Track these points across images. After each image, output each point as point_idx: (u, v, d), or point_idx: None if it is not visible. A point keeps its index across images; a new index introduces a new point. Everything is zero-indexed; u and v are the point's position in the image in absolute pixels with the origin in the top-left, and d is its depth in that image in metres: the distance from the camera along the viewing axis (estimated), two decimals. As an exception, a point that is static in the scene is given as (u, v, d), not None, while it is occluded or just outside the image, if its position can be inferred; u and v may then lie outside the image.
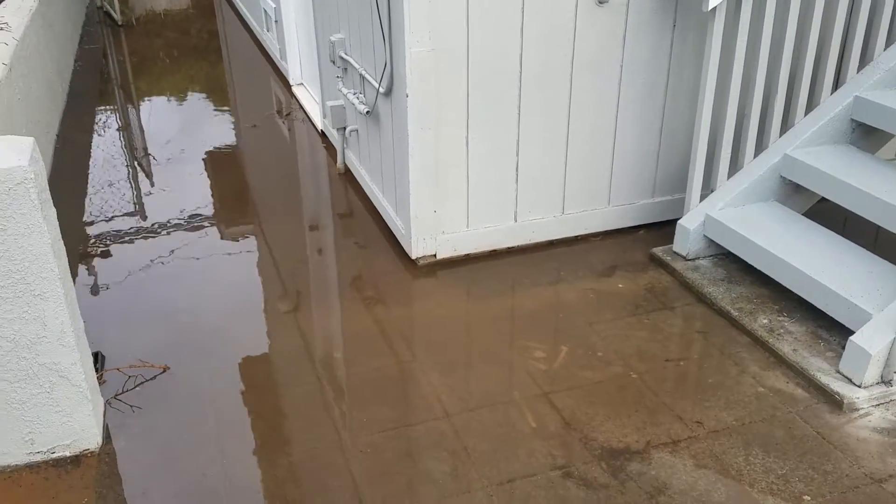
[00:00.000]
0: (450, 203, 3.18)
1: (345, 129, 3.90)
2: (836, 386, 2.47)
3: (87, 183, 4.12)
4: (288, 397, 2.55)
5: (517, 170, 3.21)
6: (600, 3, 3.02)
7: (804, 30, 3.04)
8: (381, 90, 3.18)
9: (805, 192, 3.16)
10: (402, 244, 3.33)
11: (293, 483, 2.22)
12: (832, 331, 2.74)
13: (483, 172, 3.17)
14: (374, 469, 2.26)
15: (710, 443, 2.34)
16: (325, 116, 4.19)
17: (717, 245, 3.15)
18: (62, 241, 2.22)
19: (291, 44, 5.13)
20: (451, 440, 2.36)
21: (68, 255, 2.25)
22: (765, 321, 2.81)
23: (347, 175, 4.09)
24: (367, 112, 3.46)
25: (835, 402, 2.46)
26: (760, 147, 3.20)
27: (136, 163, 4.31)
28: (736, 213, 3.11)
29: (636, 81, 3.22)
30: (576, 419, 2.44)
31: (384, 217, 3.55)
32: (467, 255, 3.31)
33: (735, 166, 3.21)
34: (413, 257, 3.24)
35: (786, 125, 3.19)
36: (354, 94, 3.58)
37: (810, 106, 3.17)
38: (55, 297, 2.14)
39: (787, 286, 2.82)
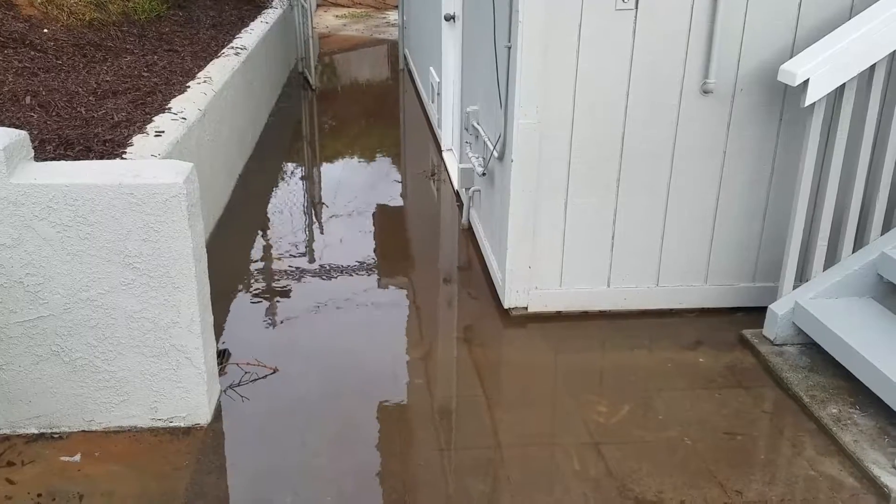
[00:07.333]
0: (544, 261, 3.45)
1: (470, 189, 4.31)
2: (887, 479, 2.44)
3: (260, 221, 4.77)
4: (371, 409, 2.91)
5: (613, 238, 3.43)
6: (705, 92, 3.23)
7: (912, 131, 3.07)
8: (496, 155, 3.55)
9: (905, 293, 3.12)
10: (499, 294, 3.63)
11: (353, 476, 2.55)
12: (904, 430, 2.70)
13: (578, 237, 3.42)
14: (422, 479, 2.54)
15: (742, 512, 2.41)
16: (458, 177, 4.63)
17: (806, 334, 3.17)
18: (203, 248, 2.75)
19: (446, 113, 5.68)
20: (496, 467, 2.60)
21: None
22: (834, 410, 2.80)
23: (469, 231, 4.48)
24: (483, 173, 3.84)
25: (882, 495, 2.43)
26: (861, 243, 3.21)
27: (310, 209, 4.94)
28: (827, 304, 3.12)
29: (739, 169, 3.36)
30: (618, 469, 2.59)
31: (489, 270, 3.87)
32: (558, 312, 3.54)
33: (833, 260, 3.24)
34: (505, 307, 3.53)
35: (889, 224, 3.19)
36: (478, 158, 3.99)
37: (917, 207, 3.16)
38: (189, 291, 2.65)
39: (860, 378, 2.81)
